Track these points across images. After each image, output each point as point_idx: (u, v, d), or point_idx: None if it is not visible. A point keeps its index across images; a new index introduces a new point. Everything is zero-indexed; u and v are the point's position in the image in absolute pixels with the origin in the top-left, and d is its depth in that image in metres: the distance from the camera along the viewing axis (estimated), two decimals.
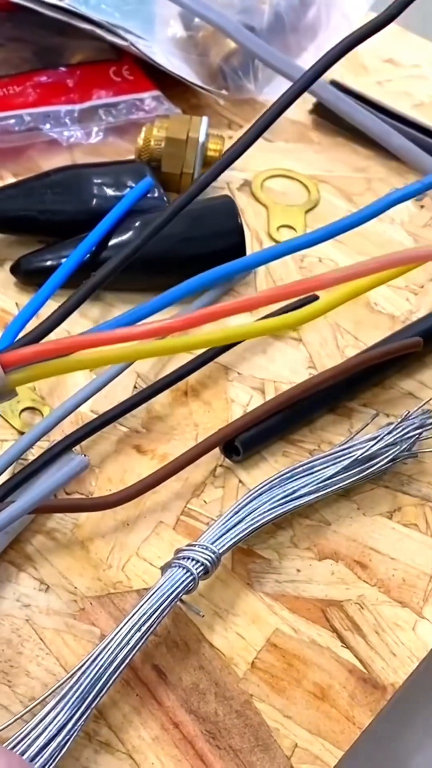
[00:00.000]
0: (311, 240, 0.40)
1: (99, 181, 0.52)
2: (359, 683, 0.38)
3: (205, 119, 0.54)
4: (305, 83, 0.45)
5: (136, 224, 0.50)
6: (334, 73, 0.63)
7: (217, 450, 0.44)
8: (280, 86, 0.61)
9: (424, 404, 0.45)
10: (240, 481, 0.44)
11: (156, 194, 0.52)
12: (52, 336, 0.42)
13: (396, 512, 0.43)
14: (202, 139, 0.54)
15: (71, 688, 0.34)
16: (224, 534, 0.39)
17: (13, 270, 0.50)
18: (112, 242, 0.49)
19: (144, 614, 0.36)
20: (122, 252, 0.44)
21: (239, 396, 0.47)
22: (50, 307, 0.48)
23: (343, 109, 0.59)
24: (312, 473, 0.42)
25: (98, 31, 0.57)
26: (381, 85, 0.65)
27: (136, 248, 0.44)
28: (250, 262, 0.42)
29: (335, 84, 0.60)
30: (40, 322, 0.41)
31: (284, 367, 0.48)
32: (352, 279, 0.34)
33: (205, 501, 0.43)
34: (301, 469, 0.42)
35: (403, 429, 0.43)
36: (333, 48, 0.44)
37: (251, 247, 0.53)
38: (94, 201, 0.51)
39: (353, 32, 0.44)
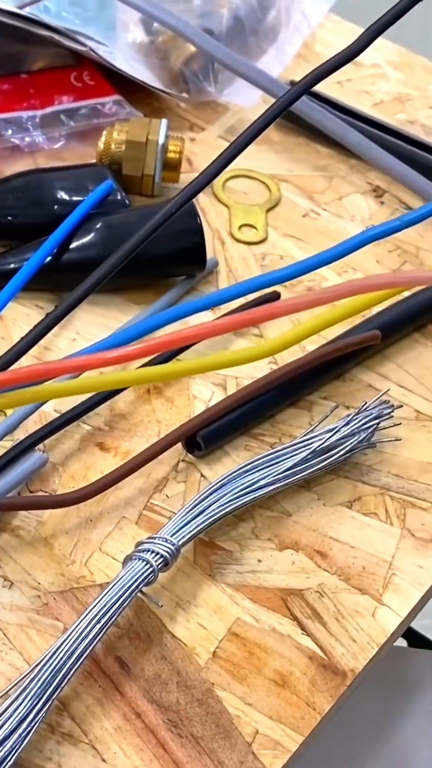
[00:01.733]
0: (288, 274, 0.42)
1: (60, 184, 0.52)
2: (319, 670, 0.39)
3: (164, 121, 0.55)
4: (280, 107, 0.46)
5: (97, 226, 0.50)
6: (294, 73, 0.64)
7: (179, 446, 0.45)
8: (240, 88, 0.62)
9: (381, 395, 0.46)
10: (202, 476, 0.44)
11: (118, 197, 0.53)
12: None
13: (356, 502, 0.44)
14: (161, 141, 0.54)
15: (32, 680, 0.35)
16: (184, 526, 0.40)
17: None
18: (73, 245, 0.50)
19: (104, 606, 0.37)
20: (95, 274, 0.45)
21: (201, 392, 0.47)
22: (12, 309, 0.49)
23: (303, 110, 0.59)
24: (271, 465, 0.42)
25: (57, 37, 0.58)
26: (341, 84, 0.66)
27: (111, 267, 0.45)
28: (225, 296, 0.43)
29: (295, 85, 0.61)
30: (13, 345, 0.42)
31: None
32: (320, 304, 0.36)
33: (167, 496, 0.43)
34: (261, 461, 0.42)
35: (361, 420, 0.44)
36: (312, 72, 0.46)
37: (212, 247, 0.54)
38: (56, 205, 0.52)
39: (329, 59, 0.45)
